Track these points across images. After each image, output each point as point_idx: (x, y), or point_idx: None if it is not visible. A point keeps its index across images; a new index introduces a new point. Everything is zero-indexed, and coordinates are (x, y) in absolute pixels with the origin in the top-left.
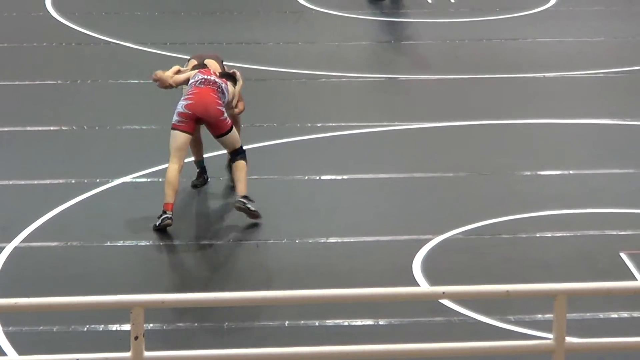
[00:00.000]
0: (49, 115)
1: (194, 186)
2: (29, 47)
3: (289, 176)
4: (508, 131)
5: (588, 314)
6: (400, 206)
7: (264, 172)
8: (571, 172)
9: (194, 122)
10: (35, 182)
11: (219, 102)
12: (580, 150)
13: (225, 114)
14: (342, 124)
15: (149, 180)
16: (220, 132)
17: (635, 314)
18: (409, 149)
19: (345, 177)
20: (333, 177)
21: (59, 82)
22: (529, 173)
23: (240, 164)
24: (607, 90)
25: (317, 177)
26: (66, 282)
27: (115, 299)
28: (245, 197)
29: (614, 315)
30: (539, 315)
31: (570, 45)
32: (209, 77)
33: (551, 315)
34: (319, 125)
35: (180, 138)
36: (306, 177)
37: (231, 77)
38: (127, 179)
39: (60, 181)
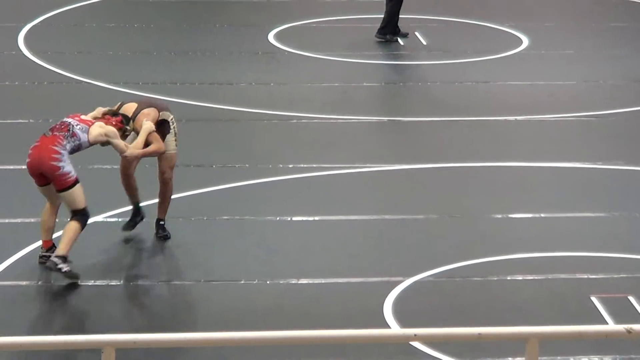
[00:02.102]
0: (20, 153)
1: (123, 228)
2: (1, 85)
3: (261, 217)
4: (479, 174)
5: (558, 358)
6: (371, 248)
7: (236, 212)
8: (542, 215)
9: (38, 176)
10: (6, 220)
11: (57, 155)
12: (551, 193)
13: (63, 169)
14: (314, 165)
15: (120, 219)
16: (57, 188)
17: (606, 358)
18: (380, 191)
19: (316, 218)
20: (304, 218)
21: (31, 120)
22: (500, 216)
23: (71, 225)
24: (578, 134)
25: (289, 219)
26: (37, 321)
27: (87, 338)
28: (61, 257)
29: (585, 359)
30: (510, 359)
31: (541, 89)
32: (65, 119)
33: (522, 359)
34: (290, 166)
35: (40, 190)
36: (277, 218)
37: (126, 118)
38: (99, 218)
39: (32, 220)
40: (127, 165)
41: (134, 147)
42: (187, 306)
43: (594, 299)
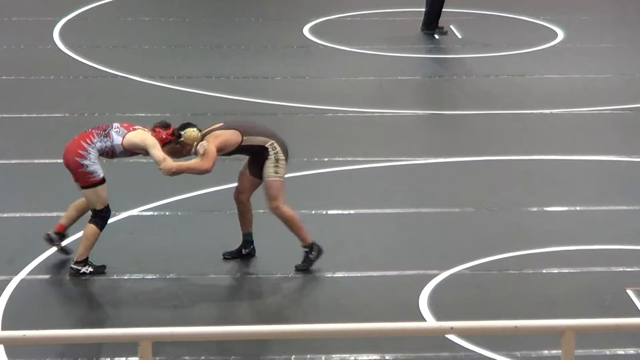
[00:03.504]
0: (55, 148)
1: (223, 255)
2: (37, 79)
3: (297, 210)
4: (514, 167)
5: (594, 350)
6: (407, 241)
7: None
8: (577, 208)
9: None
10: (42, 214)
11: (83, 152)
12: (586, 186)
13: (87, 168)
14: (349, 159)
15: (155, 213)
16: (80, 185)
17: None
18: (416, 184)
19: (352, 211)
20: (340, 211)
21: (66, 115)
22: (535, 209)
23: (88, 228)
24: (613, 127)
25: (324, 212)
26: (73, 314)
27: (123, 331)
28: (80, 262)
29: (621, 351)
30: (546, 352)
31: (576, 82)
32: (113, 123)
33: (558, 352)
34: (325, 159)
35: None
36: (313, 212)
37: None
38: (135, 212)
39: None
40: (237, 192)
41: (183, 163)
42: (221, 299)
43: (629, 291)
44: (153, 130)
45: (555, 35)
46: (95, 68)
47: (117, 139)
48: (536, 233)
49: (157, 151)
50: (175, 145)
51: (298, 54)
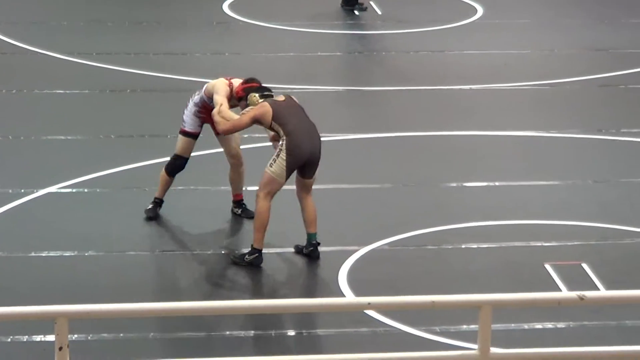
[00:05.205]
0: None
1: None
2: None
3: (215, 187)
4: (433, 143)
5: (513, 325)
6: (326, 217)
7: (195, 183)
8: (496, 183)
9: None
10: None
11: (185, 107)
12: (505, 162)
13: (186, 115)
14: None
15: (74, 190)
16: None
17: (560, 325)
18: (335, 160)
19: None
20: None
21: None
22: (454, 185)
23: (162, 171)
24: (533, 103)
25: (244, 188)
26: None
27: (39, 309)
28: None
29: (539, 325)
30: (464, 326)
31: (496, 58)
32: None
33: (476, 326)
34: (245, 136)
35: None
36: (221, 188)
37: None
38: (53, 189)
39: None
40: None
41: (225, 112)
42: (138, 277)
43: (547, 266)
44: (230, 82)
45: (474, 11)
46: (14, 45)
47: (202, 90)
48: (455, 209)
49: (219, 97)
50: (239, 101)
51: (218, 30)
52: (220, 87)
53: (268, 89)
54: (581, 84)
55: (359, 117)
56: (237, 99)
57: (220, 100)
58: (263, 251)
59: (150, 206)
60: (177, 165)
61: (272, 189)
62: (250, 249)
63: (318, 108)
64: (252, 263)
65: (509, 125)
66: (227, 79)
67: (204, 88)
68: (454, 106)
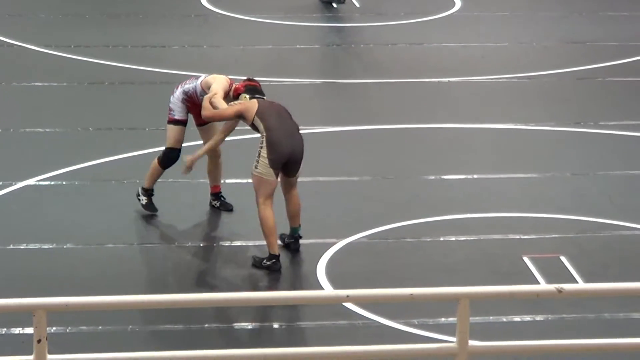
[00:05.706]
0: None
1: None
2: None
3: (194, 180)
4: (412, 135)
5: (491, 317)
6: (304, 210)
7: (174, 176)
8: (475, 176)
9: None
10: None
11: (174, 89)
12: (483, 155)
13: (172, 102)
14: (246, 128)
15: (52, 183)
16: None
17: (538, 317)
18: (314, 153)
19: (249, 180)
20: (238, 180)
21: None
22: (432, 177)
23: (154, 161)
24: (511, 96)
25: (223, 181)
26: None
27: (18, 301)
28: (143, 189)
29: (517, 318)
30: (442, 319)
31: (474, 50)
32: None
33: (454, 319)
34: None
35: None
36: (197, 181)
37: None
38: (31, 181)
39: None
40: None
41: (216, 100)
42: (117, 269)
43: (526, 259)
44: (232, 81)
45: (452, 4)
46: None
47: (198, 81)
48: (433, 201)
49: (216, 86)
50: (233, 99)
51: (196, 23)
52: (220, 80)
53: (262, 93)
54: (559, 77)
55: (337, 109)
56: (234, 97)
57: (216, 89)
58: (248, 244)
59: (145, 201)
60: (171, 157)
61: (266, 191)
62: (267, 256)
63: (296, 101)
64: (270, 268)
65: (487, 118)
66: (228, 79)
67: (200, 79)
68: (433, 99)
